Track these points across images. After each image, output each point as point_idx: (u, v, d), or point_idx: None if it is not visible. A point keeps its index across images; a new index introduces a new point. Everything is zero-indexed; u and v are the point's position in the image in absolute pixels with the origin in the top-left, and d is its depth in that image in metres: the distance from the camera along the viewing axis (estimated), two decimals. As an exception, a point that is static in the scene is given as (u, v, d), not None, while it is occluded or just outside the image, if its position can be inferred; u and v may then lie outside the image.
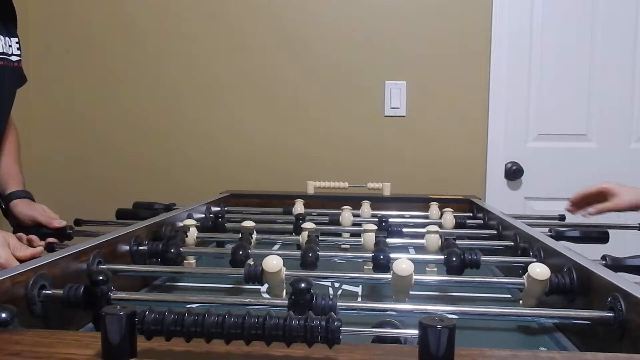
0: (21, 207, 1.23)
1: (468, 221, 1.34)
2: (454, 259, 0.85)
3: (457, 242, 0.94)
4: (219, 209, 1.45)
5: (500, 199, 2.02)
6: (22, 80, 1.35)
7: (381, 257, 0.85)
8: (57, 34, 2.16)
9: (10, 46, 1.28)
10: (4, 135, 1.31)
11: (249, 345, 0.44)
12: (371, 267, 0.89)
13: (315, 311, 0.60)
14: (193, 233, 1.05)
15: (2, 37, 1.25)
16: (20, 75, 1.33)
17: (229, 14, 2.10)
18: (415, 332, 0.42)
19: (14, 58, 1.29)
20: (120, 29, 2.15)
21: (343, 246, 1.12)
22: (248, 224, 1.06)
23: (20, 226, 1.17)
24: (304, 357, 0.45)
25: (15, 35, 1.30)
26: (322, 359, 0.44)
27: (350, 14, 2.07)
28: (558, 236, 1.11)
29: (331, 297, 0.62)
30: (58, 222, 1.17)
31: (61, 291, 0.65)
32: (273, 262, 0.74)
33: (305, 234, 1.00)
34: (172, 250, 0.91)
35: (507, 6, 2.02)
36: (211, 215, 1.32)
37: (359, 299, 0.87)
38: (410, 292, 0.75)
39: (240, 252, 0.88)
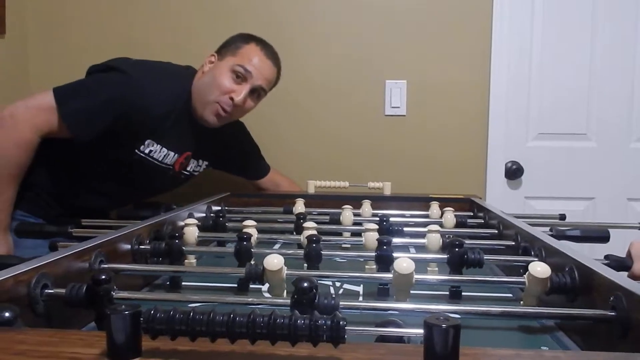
0: None
1: (469, 220, 1.34)
2: (457, 248, 0.85)
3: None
4: (219, 208, 1.45)
5: (500, 199, 2.02)
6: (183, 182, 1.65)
7: (385, 255, 0.85)
8: (55, 31, 2.16)
9: (199, 166, 1.62)
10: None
11: (254, 345, 0.44)
12: (372, 266, 0.89)
13: (318, 310, 0.60)
14: (194, 232, 1.05)
15: (194, 159, 1.58)
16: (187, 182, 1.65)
17: (228, 11, 2.09)
18: (419, 331, 0.43)
19: (195, 173, 1.63)
20: (117, 27, 2.14)
21: (344, 245, 1.12)
22: (249, 223, 1.07)
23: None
24: (308, 356, 0.45)
25: (206, 159, 1.64)
26: (326, 358, 0.44)
27: (351, 13, 2.07)
28: (559, 235, 1.11)
29: (333, 296, 0.62)
30: None
31: (63, 290, 0.65)
32: (274, 261, 0.74)
33: (306, 233, 1.00)
34: (177, 240, 0.93)
35: (507, 6, 2.02)
36: (212, 215, 1.32)
37: (360, 298, 0.87)
38: (412, 292, 0.75)
39: (244, 240, 0.89)
